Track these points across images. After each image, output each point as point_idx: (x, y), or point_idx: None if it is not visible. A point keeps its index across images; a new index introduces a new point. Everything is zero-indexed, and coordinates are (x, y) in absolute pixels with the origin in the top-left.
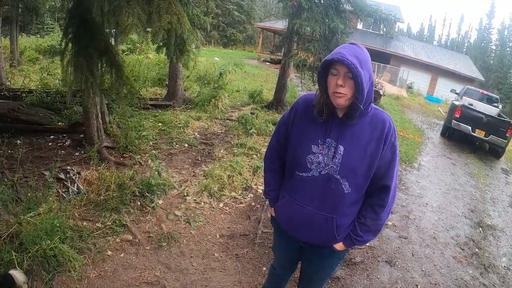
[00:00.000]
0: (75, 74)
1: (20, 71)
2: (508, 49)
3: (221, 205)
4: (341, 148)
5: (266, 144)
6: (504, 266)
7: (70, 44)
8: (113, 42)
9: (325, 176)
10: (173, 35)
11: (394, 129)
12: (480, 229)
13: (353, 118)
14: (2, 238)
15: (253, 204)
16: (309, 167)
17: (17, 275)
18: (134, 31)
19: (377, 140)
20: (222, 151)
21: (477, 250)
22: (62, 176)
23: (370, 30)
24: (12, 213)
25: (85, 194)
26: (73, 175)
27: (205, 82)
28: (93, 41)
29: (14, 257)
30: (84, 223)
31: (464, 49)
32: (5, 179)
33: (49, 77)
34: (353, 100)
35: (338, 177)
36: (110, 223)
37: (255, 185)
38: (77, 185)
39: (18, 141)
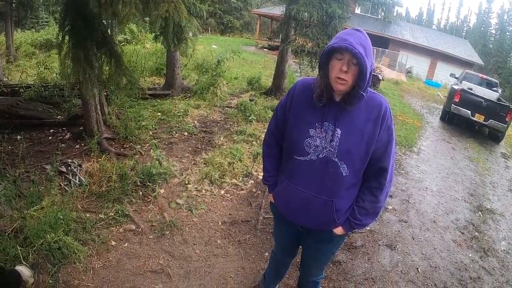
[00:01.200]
0: (73, 67)
1: (16, 67)
2: (507, 33)
3: (222, 192)
4: (339, 131)
5: (265, 130)
6: (504, 250)
7: (67, 37)
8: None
9: (323, 160)
10: (170, 23)
11: (390, 112)
12: (480, 213)
13: (352, 103)
14: (7, 234)
15: (254, 190)
16: (307, 151)
17: (23, 270)
18: (131, 21)
19: (374, 123)
20: (222, 138)
21: (476, 234)
22: (63, 169)
23: (369, 15)
24: (16, 208)
25: (87, 186)
26: (74, 167)
27: (203, 70)
28: (90, 33)
29: (19, 251)
30: (87, 215)
31: (464, 33)
32: (6, 175)
33: (46, 71)
34: (354, 86)
35: (336, 160)
36: (112, 214)
37: (256, 171)
38: (79, 177)
39: (18, 137)
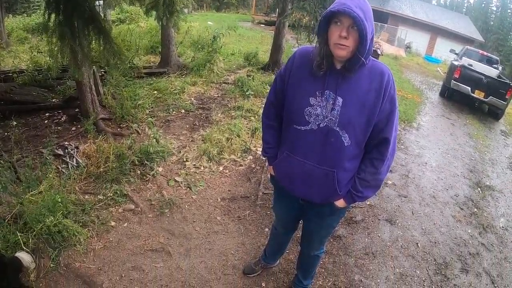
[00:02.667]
0: (60, 45)
1: (9, 53)
2: (509, 10)
3: (221, 168)
4: (340, 99)
5: (263, 105)
6: (502, 227)
7: (53, 15)
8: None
9: (324, 129)
10: None
11: (393, 81)
12: (479, 189)
13: (352, 70)
14: (6, 220)
15: (253, 166)
16: (307, 120)
17: (24, 256)
18: None
19: (376, 92)
20: (219, 114)
21: (475, 210)
22: (60, 152)
23: None
24: (13, 194)
25: (85, 167)
26: (71, 150)
27: (199, 46)
28: (77, 9)
29: (19, 237)
30: (86, 197)
31: (464, 9)
32: (1, 161)
33: (40, 54)
34: (355, 52)
35: (337, 129)
36: (111, 194)
37: (254, 147)
38: (76, 159)
39: (14, 123)
